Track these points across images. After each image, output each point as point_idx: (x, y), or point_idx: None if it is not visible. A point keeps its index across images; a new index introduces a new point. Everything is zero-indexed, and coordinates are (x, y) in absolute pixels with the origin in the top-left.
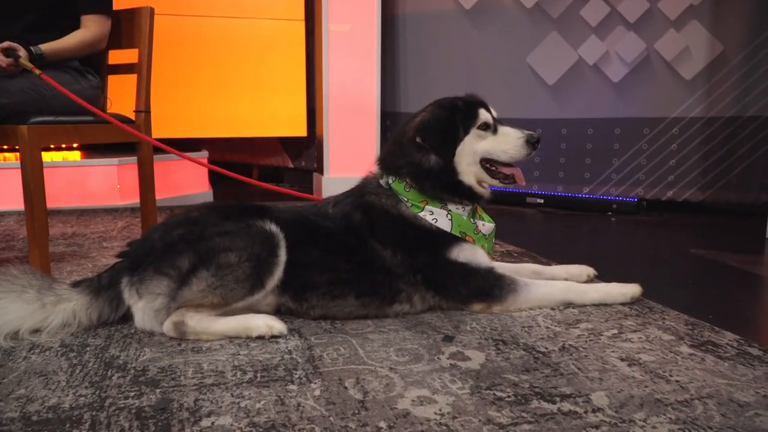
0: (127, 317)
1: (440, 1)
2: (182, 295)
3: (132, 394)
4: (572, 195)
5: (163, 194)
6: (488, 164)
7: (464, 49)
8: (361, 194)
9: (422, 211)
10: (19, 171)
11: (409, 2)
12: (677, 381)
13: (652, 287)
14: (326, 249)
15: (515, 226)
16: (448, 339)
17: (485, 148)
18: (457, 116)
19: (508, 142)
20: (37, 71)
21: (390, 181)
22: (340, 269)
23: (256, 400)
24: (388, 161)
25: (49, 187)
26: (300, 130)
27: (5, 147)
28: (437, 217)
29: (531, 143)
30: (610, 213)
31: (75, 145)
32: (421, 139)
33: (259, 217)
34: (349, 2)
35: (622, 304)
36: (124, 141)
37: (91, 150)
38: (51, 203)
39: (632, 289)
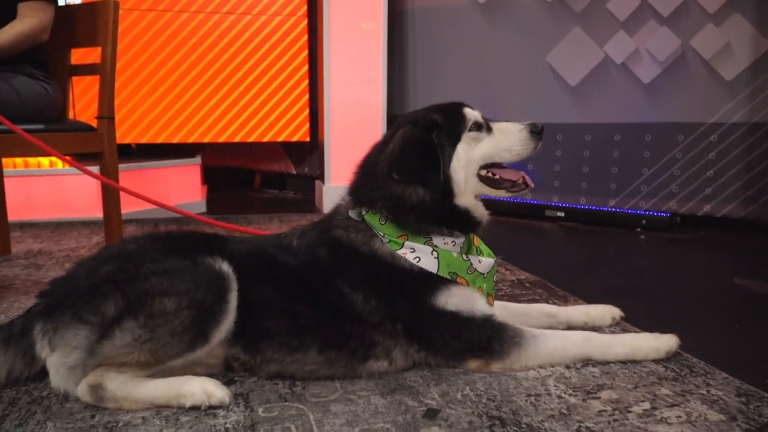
0: (46, 372)
1: None
2: (102, 351)
3: None
4: (596, 208)
5: (152, 204)
6: (489, 173)
7: (478, 47)
8: (328, 227)
9: (401, 248)
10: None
11: None
12: None
13: (689, 331)
14: (284, 289)
15: (531, 245)
16: (431, 414)
17: (484, 152)
18: (435, 133)
19: (510, 138)
20: None
21: (363, 213)
22: (300, 315)
23: None
24: (360, 193)
25: (29, 197)
26: (302, 135)
27: None
28: (420, 255)
29: (536, 133)
30: (638, 229)
31: None
32: (398, 176)
33: (209, 252)
34: None
35: (655, 360)
36: (87, 151)
37: (81, 157)
38: (29, 215)
39: (667, 343)
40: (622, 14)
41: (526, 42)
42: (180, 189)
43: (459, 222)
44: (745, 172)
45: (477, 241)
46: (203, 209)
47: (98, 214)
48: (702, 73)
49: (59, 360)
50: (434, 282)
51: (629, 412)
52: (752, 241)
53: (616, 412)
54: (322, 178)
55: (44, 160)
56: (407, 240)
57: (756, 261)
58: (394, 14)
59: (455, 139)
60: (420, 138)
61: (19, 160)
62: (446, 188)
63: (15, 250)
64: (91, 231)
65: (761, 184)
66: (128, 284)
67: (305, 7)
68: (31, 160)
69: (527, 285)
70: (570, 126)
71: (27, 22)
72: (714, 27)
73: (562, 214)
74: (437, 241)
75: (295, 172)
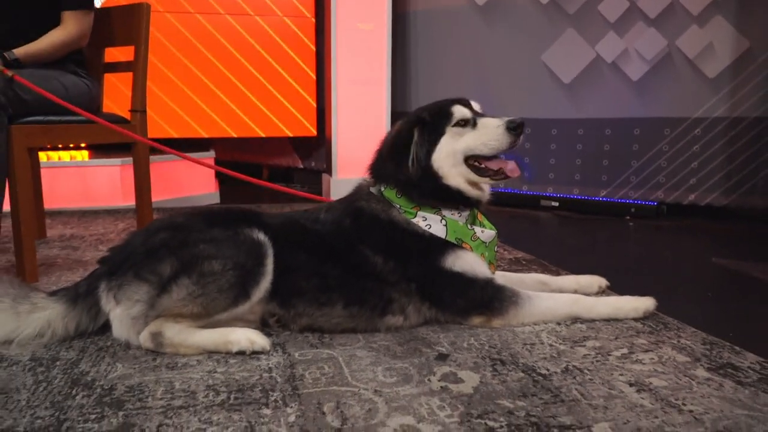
0: (107, 327)
1: None
2: (161, 303)
3: (93, 417)
4: (589, 198)
5: (168, 195)
6: (475, 162)
7: (477, 47)
8: (352, 200)
9: (415, 216)
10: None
11: None
12: (691, 411)
13: (668, 300)
14: (313, 253)
15: (527, 231)
16: (442, 357)
17: (465, 145)
18: (418, 128)
19: (488, 133)
20: (9, 73)
21: (381, 189)
22: (327, 275)
23: (224, 426)
24: (375, 171)
25: (54, 188)
26: (309, 130)
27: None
28: (431, 222)
29: (512, 129)
30: (628, 217)
31: (83, 145)
32: (387, 160)
33: (246, 225)
34: None
35: (635, 319)
36: (120, 141)
37: (99, 150)
38: (55, 204)
39: (645, 303)
40: (612, 16)
41: (523, 42)
42: (196, 181)
43: (456, 198)
44: (727, 163)
45: (480, 216)
46: (217, 200)
47: (119, 203)
48: (687, 71)
49: (123, 312)
50: (443, 246)
51: (609, 355)
52: (733, 228)
53: (599, 355)
54: (329, 171)
55: (65, 154)
56: (419, 210)
57: (735, 244)
58: (397, 16)
59: (438, 134)
60: (402, 131)
61: (42, 154)
62: (431, 172)
63: (49, 234)
64: (116, 218)
65: (742, 175)
66: (180, 249)
67: (313, 9)
68: (53, 154)
69: (523, 262)
70: (564, 121)
71: (67, 30)
72: (698, 28)
73: (557, 204)
74: (445, 212)
75: (302, 166)
